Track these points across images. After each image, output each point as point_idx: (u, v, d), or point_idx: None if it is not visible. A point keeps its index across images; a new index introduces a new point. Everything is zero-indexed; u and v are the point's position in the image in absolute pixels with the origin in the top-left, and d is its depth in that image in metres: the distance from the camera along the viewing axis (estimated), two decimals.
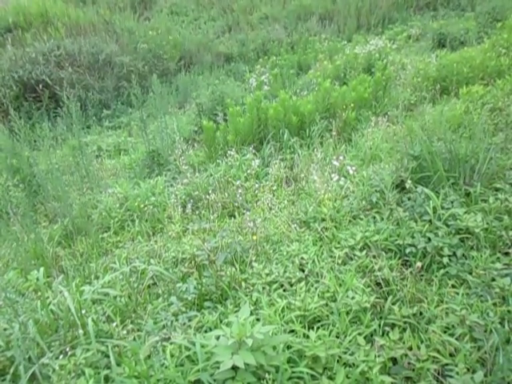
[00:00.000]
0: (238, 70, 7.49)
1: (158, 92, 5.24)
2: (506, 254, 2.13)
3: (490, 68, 4.30)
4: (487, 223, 2.20)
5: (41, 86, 7.57)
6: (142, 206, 2.96)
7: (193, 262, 2.16)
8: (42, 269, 2.10)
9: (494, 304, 1.80)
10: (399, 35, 8.32)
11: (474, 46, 6.02)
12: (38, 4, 9.26)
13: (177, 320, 1.74)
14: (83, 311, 1.85)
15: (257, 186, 2.84)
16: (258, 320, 1.68)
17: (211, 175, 3.11)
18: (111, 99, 7.71)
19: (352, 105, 3.55)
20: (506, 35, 4.89)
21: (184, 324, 1.73)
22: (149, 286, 2.14)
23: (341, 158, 2.70)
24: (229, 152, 3.16)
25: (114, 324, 1.82)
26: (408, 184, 2.29)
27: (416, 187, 2.31)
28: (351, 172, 2.55)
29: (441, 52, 6.74)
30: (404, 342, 1.64)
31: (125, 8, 9.32)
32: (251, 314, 1.59)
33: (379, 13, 9.40)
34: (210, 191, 2.92)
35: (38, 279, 2.33)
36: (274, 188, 2.82)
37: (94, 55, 7.95)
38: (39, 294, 2.15)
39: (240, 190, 2.75)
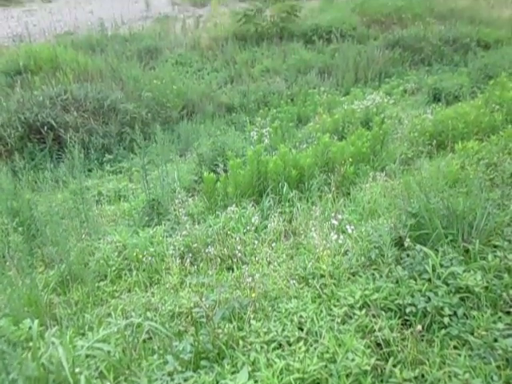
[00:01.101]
0: (238, 120, 7.67)
1: (160, 139, 5.35)
2: (508, 313, 2.11)
3: (484, 123, 4.43)
4: (487, 282, 2.20)
5: (46, 128, 7.71)
6: (141, 255, 2.96)
7: (190, 317, 2.13)
8: (36, 321, 2.06)
9: (498, 367, 1.77)
10: (395, 89, 8.59)
11: (468, 101, 6.23)
12: (49, 49, 9.58)
13: (172, 380, 1.70)
14: (76, 369, 1.81)
15: (256, 240, 2.85)
16: (256, 383, 1.64)
17: (210, 227, 3.12)
18: (114, 144, 7.83)
19: (350, 159, 3.63)
20: (498, 92, 5.07)
21: None
22: (144, 341, 2.11)
23: (339, 216, 2.73)
24: (229, 208, 3.19)
25: (108, 383, 1.77)
26: (407, 242, 2.31)
27: (415, 245, 2.33)
28: (350, 231, 2.57)
29: (436, 106, 6.95)
30: None
31: (132, 57, 9.66)
32: (249, 376, 1.56)
33: (376, 67, 9.74)
34: (209, 243, 2.93)
35: (30, 328, 2.29)
36: (273, 242, 2.82)
37: (100, 101, 8.14)
38: (31, 344, 2.10)
39: (239, 246, 2.75)
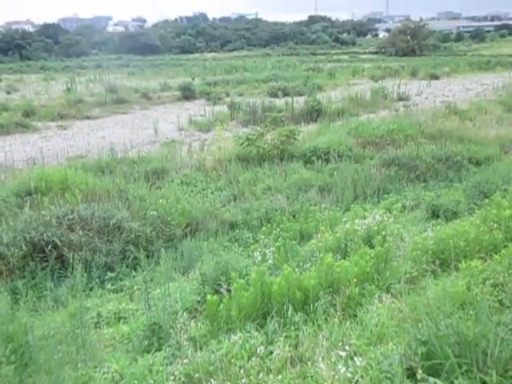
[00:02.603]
0: (242, 236, 7.78)
1: (163, 258, 5.37)
2: None
3: (485, 242, 4.48)
4: None
5: (50, 246, 7.77)
6: None
7: None
8: None
9: None
10: (394, 204, 8.82)
11: (467, 218, 6.35)
12: (60, 172, 10.06)
13: None
14: None
15: (260, 369, 2.71)
16: None
17: (213, 353, 3.00)
18: (116, 262, 7.82)
19: (355, 280, 3.61)
20: (494, 210, 5.20)
21: None
22: None
23: (347, 347, 2.64)
24: (232, 336, 3.10)
25: None
26: (419, 374, 2.20)
27: (428, 377, 2.21)
28: (359, 363, 2.46)
29: (436, 222, 7.08)
30: None
31: (139, 178, 10.12)
32: None
33: (374, 184, 10.12)
34: (212, 371, 2.78)
35: None
36: (279, 373, 2.68)
37: (105, 220, 8.32)
38: None
39: (244, 379, 2.61)
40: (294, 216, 8.42)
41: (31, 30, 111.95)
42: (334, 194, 9.64)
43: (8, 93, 31.25)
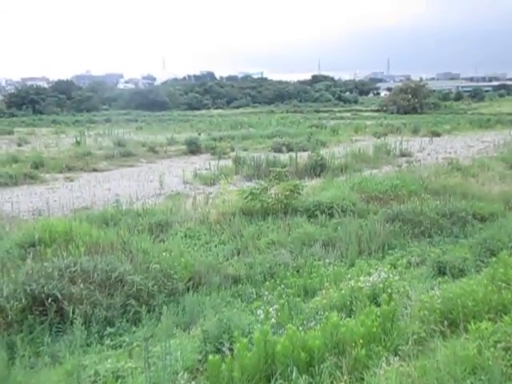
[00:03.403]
0: (245, 291, 7.65)
1: (165, 313, 5.26)
2: None
3: (494, 302, 4.38)
4: None
5: (50, 299, 7.64)
6: None
7: None
8: None
9: None
10: (399, 260, 8.72)
11: (474, 276, 6.25)
12: (64, 223, 10.09)
13: None
14: None
15: None
16: None
17: None
18: (117, 316, 7.66)
19: (361, 340, 3.50)
20: (502, 269, 5.13)
21: None
22: None
23: None
24: None
25: None
26: None
27: None
28: None
29: (442, 279, 6.96)
30: None
31: (143, 230, 10.12)
32: None
33: (378, 240, 10.06)
34: None
35: None
36: None
37: (108, 273, 8.24)
38: None
39: None
40: (297, 271, 8.32)
41: (46, 85, 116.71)
42: (338, 249, 9.56)
43: (19, 145, 32.04)
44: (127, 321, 7.47)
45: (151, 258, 8.49)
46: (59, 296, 7.65)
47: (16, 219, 10.98)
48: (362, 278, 5.59)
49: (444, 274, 7.64)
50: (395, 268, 7.78)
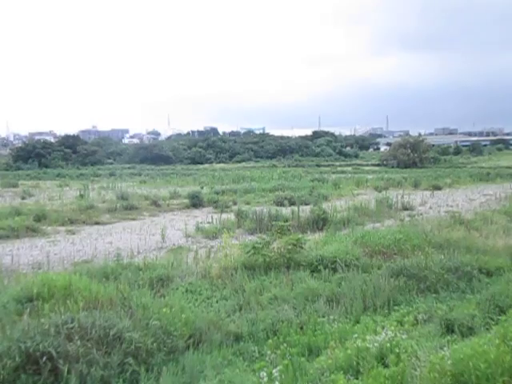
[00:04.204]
0: (247, 350, 7.39)
1: (164, 373, 5.04)
2: None
3: (507, 364, 4.20)
4: None
5: (44, 358, 7.38)
6: None
7: None
8: None
9: None
10: (406, 317, 8.47)
11: (484, 334, 6.04)
12: (64, 277, 9.94)
13: None
14: None
15: None
16: None
17: None
18: (113, 376, 7.37)
19: None
20: None
21: None
22: None
23: None
24: None
25: None
26: None
27: None
28: None
29: (451, 338, 6.73)
30: None
31: (144, 285, 9.96)
32: None
33: (383, 295, 9.84)
34: None
35: None
36: None
37: (106, 329, 8.01)
38: None
39: None
40: (301, 328, 8.08)
41: (52, 140, 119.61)
42: (342, 305, 9.34)
43: (23, 198, 32.29)
44: (124, 381, 7.16)
45: (151, 313, 8.29)
46: (54, 354, 7.38)
47: (15, 273, 10.84)
48: (368, 337, 5.41)
49: (452, 331, 7.40)
50: (402, 325, 7.55)
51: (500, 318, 6.37)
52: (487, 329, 6.88)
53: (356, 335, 5.98)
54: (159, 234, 17.26)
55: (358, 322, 8.43)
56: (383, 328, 6.00)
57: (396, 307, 9.52)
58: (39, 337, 7.65)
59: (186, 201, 28.73)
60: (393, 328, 6.03)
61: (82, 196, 31.24)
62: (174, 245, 15.85)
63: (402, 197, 26.86)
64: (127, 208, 25.49)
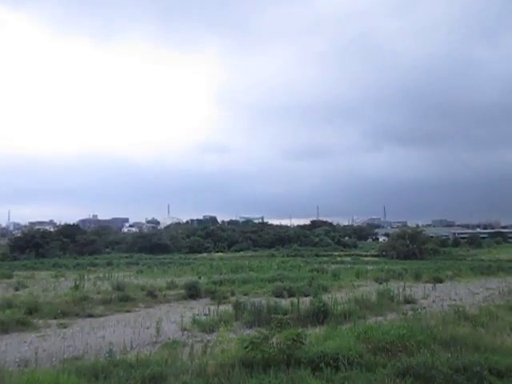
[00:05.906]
0: None
1: None
2: None
3: None
4: None
5: None
6: None
7: None
8: None
9: None
10: None
11: None
12: (51, 376, 9.45)
13: None
14: None
15: None
16: None
17: None
18: None
19: None
20: None
21: None
22: None
23: None
24: None
25: None
26: None
27: None
28: None
29: None
30: None
31: None
32: None
33: None
34: None
35: None
36: None
37: None
38: None
39: None
40: None
41: (52, 229, 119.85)
42: None
43: (16, 289, 31.55)
44: None
45: None
46: None
47: (0, 372, 10.28)
48: None
49: None
50: None
51: None
52: None
53: None
54: (154, 327, 16.64)
55: None
56: None
57: None
58: None
59: (183, 291, 28.09)
60: None
61: (76, 287, 30.59)
62: (169, 339, 15.21)
63: (404, 289, 26.34)
64: (122, 299, 24.82)
